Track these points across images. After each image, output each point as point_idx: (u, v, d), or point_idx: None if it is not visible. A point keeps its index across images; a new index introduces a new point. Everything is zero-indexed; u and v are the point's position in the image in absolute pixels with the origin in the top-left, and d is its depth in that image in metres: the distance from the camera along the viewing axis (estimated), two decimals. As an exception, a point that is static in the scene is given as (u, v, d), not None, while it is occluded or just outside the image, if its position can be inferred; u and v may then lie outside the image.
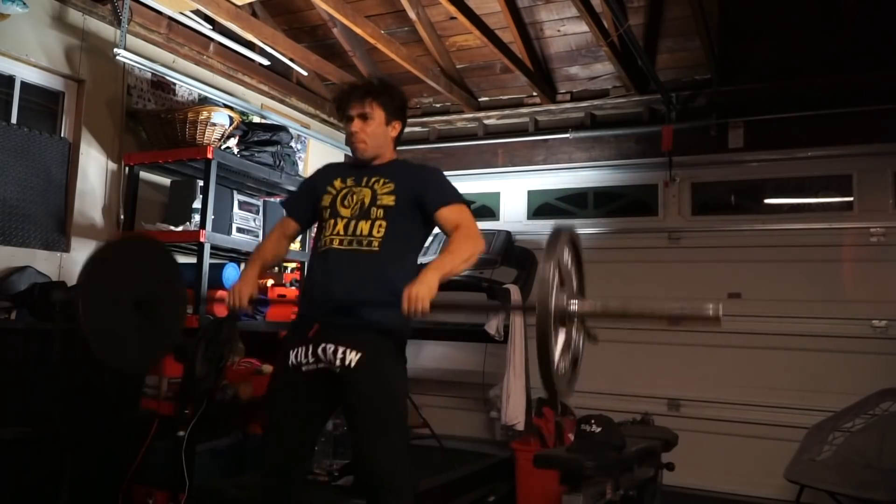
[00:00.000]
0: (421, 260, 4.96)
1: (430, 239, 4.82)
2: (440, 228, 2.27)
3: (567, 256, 2.03)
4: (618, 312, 2.16)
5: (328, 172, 2.43)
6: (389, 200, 2.21)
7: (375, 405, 2.07)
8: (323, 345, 2.09)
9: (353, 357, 2.06)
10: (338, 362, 2.07)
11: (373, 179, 2.27)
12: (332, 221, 2.24)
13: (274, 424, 2.22)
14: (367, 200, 2.22)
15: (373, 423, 2.06)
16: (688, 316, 1.83)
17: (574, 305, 1.98)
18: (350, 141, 2.32)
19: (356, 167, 2.37)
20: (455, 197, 2.26)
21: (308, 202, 2.39)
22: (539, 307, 1.82)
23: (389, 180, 2.26)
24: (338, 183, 2.30)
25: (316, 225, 2.41)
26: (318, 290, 2.20)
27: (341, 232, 2.20)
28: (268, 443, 2.24)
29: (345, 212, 2.23)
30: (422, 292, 1.98)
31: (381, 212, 2.20)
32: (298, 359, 2.13)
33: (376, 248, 2.16)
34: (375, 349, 2.10)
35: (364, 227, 2.19)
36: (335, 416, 2.68)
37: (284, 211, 2.51)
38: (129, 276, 2.31)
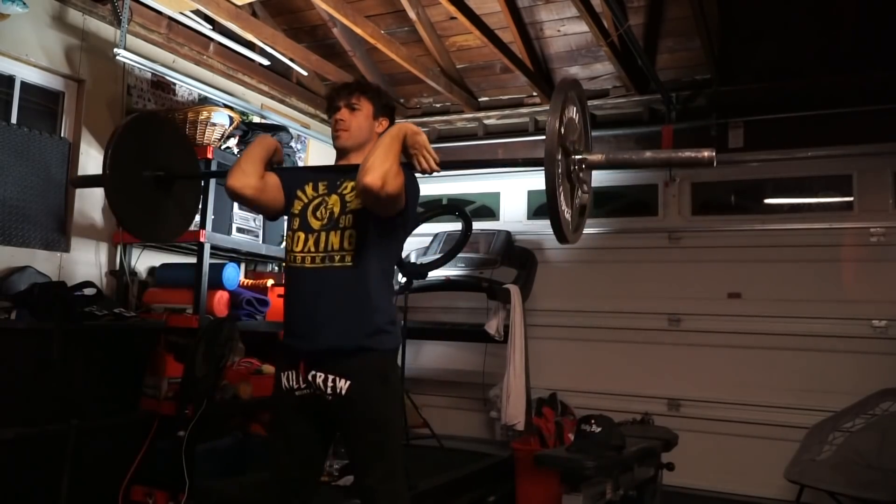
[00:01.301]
0: (422, 260, 4.98)
1: (430, 239, 4.90)
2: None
3: (573, 111, 2.03)
4: (622, 163, 2.26)
5: (298, 174, 2.33)
6: (358, 204, 2.08)
7: (370, 436, 2.04)
8: (312, 372, 2.05)
9: (342, 385, 2.01)
10: (328, 390, 2.02)
11: (344, 185, 2.14)
12: (303, 236, 2.12)
13: (275, 459, 2.15)
14: (336, 209, 2.11)
15: (369, 451, 2.05)
16: (684, 159, 2.02)
17: (579, 156, 1.98)
18: (332, 130, 2.22)
19: (331, 170, 2.26)
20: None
21: (281, 188, 2.23)
22: (546, 158, 1.81)
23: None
24: (309, 190, 2.19)
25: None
26: (298, 322, 2.10)
27: (312, 248, 2.09)
28: (270, 479, 2.16)
29: (315, 224, 2.12)
30: (421, 140, 2.01)
31: (349, 219, 2.08)
32: (290, 383, 2.09)
33: (350, 263, 2.06)
34: (363, 376, 2.02)
35: (334, 239, 2.08)
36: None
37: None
38: (150, 153, 2.40)
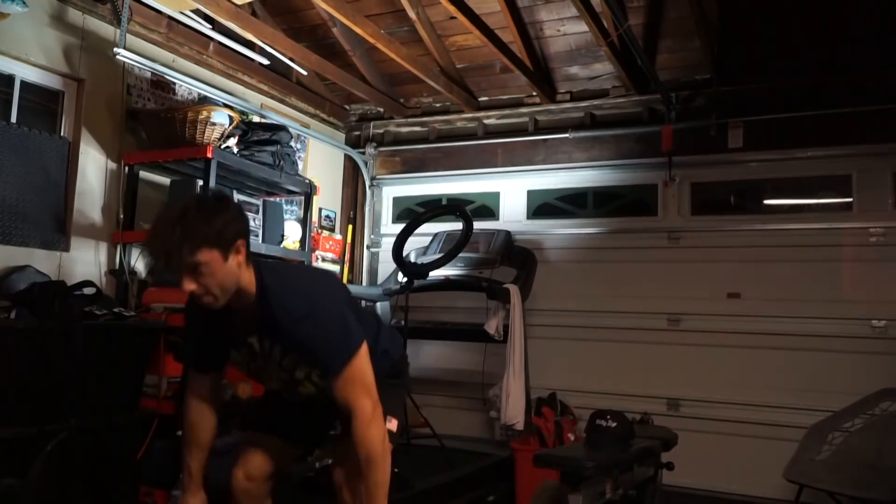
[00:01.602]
0: (422, 259, 4.99)
1: (429, 239, 4.90)
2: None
3: None
4: None
5: (207, 322, 1.96)
6: (305, 367, 1.95)
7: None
8: None
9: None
10: None
11: (268, 351, 1.93)
12: (268, 385, 2.08)
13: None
14: (286, 376, 1.98)
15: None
16: None
17: None
18: (195, 300, 1.81)
19: (231, 324, 1.94)
20: (342, 361, 1.85)
21: (210, 348, 2.02)
22: None
23: (282, 348, 1.92)
24: (234, 353, 1.99)
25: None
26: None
27: (284, 391, 2.06)
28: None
29: (273, 385, 2.05)
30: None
31: (305, 371, 1.96)
32: None
33: (323, 388, 1.96)
34: None
35: (306, 388, 2.00)
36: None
37: (190, 367, 2.16)
38: None
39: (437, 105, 5.44)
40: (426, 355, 5.13)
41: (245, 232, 1.81)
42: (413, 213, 5.34)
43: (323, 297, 1.89)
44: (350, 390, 1.85)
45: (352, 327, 1.88)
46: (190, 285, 1.73)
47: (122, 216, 3.69)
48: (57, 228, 3.49)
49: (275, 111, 4.77)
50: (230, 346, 1.98)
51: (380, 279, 5.42)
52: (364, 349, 1.88)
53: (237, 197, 3.88)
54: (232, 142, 3.82)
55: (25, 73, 3.41)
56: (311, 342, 1.84)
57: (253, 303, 1.84)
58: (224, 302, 1.79)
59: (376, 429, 1.83)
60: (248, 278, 1.82)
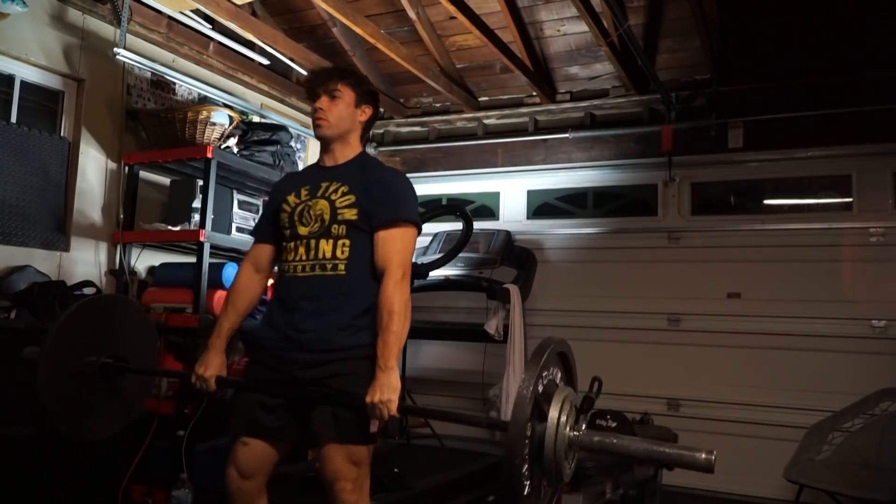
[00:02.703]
0: (422, 259, 4.97)
1: (429, 239, 4.89)
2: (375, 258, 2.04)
3: (552, 374, 1.78)
4: (609, 449, 1.75)
5: (283, 186, 2.25)
6: (351, 214, 2.02)
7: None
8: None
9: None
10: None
11: (331, 188, 2.08)
12: (293, 245, 2.08)
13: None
14: (326, 216, 2.04)
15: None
16: (678, 458, 1.61)
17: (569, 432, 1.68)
18: (312, 119, 2.14)
19: (313, 171, 2.21)
20: (399, 213, 2.03)
21: (272, 221, 2.20)
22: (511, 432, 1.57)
23: (349, 189, 2.06)
24: (292, 198, 2.12)
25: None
26: (282, 331, 2.05)
27: (303, 257, 2.05)
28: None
29: (303, 230, 2.06)
30: (384, 396, 1.85)
31: (342, 228, 2.03)
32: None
33: (342, 272, 2.01)
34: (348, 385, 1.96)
35: (326, 247, 2.03)
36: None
37: (253, 237, 2.33)
38: (98, 338, 2.21)
39: (437, 105, 5.44)
40: (426, 355, 5.13)
41: (375, 112, 2.22)
42: (413, 213, 5.33)
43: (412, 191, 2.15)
44: (391, 248, 2.01)
45: (419, 219, 2.11)
46: (322, 103, 2.11)
47: (122, 216, 3.69)
48: (57, 228, 3.49)
49: (275, 111, 4.77)
50: (290, 196, 2.13)
51: (380, 279, 5.41)
52: (415, 236, 2.09)
53: (237, 197, 3.88)
54: (232, 142, 3.82)
55: (25, 73, 3.41)
56: (387, 187, 2.07)
57: (351, 158, 2.15)
58: (331, 130, 2.11)
59: (401, 292, 1.97)
60: (356, 138, 2.18)
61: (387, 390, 1.86)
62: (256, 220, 2.45)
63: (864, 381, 3.87)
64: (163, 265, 3.82)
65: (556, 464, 1.65)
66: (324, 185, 2.10)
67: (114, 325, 2.30)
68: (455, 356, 5.09)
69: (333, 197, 2.07)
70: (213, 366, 2.13)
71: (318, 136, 2.16)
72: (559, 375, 1.85)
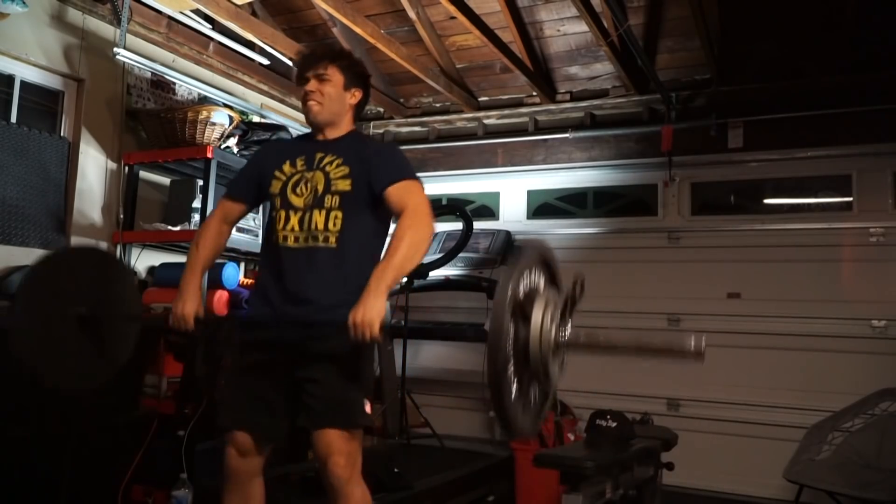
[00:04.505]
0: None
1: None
2: (391, 211, 2.09)
3: (534, 278, 1.75)
4: (597, 344, 1.81)
5: (276, 153, 2.22)
6: (345, 185, 2.05)
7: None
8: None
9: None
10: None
11: (325, 160, 2.10)
12: (284, 214, 2.07)
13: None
14: (320, 187, 2.05)
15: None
16: (670, 349, 1.65)
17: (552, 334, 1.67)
18: (303, 103, 2.15)
19: (307, 144, 2.21)
20: (405, 173, 2.08)
21: (253, 182, 2.21)
22: (492, 333, 1.53)
23: (343, 161, 2.09)
24: (287, 167, 2.12)
25: (268, 212, 2.27)
26: (273, 298, 2.06)
27: (295, 227, 2.05)
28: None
29: (297, 201, 2.07)
30: (367, 317, 1.82)
31: (335, 199, 2.04)
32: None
33: (333, 245, 2.03)
34: (336, 361, 1.99)
35: (319, 219, 2.04)
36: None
37: (226, 191, 2.32)
38: (74, 291, 2.18)
39: (437, 105, 5.44)
40: (426, 355, 5.13)
41: (366, 95, 2.24)
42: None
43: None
44: (404, 193, 2.05)
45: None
46: (312, 86, 2.12)
47: (122, 216, 3.69)
48: (57, 228, 3.49)
49: (275, 111, 4.77)
50: (284, 165, 2.13)
51: (380, 279, 5.41)
52: (424, 190, 2.12)
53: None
54: (232, 142, 3.82)
55: (25, 73, 3.41)
56: (386, 154, 2.13)
57: (345, 134, 2.19)
58: (322, 114, 2.13)
59: (417, 226, 1.98)
60: (348, 122, 2.20)
61: (370, 311, 1.83)
62: (235, 176, 2.42)
63: (864, 381, 3.87)
64: (163, 265, 3.82)
65: (543, 364, 1.63)
66: (318, 155, 2.13)
67: (91, 275, 2.27)
68: (455, 356, 5.09)
69: (328, 169, 2.10)
70: (190, 301, 2.11)
71: (308, 121, 2.18)
72: (542, 281, 1.82)
